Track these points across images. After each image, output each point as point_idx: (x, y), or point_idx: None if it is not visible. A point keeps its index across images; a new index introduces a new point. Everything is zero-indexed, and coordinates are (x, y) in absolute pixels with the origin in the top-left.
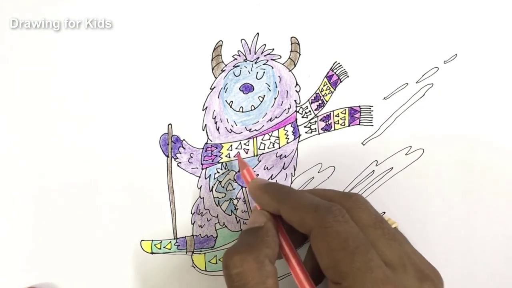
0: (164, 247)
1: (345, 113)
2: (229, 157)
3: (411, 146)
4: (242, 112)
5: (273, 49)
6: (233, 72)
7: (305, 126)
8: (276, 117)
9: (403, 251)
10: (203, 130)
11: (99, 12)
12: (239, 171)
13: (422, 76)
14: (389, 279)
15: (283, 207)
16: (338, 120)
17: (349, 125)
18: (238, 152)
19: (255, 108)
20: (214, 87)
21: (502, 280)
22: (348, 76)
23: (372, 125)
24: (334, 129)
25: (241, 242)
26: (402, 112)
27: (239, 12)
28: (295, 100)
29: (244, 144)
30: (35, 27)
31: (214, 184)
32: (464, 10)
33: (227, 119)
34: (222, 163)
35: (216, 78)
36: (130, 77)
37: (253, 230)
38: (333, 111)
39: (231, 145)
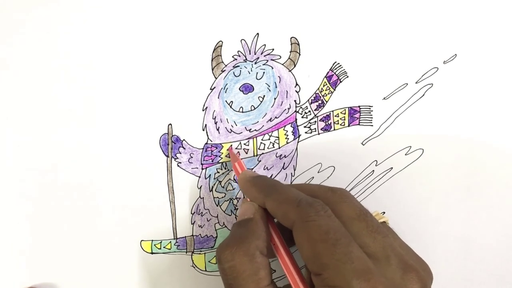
0: (164, 247)
1: (344, 113)
2: (229, 157)
3: (410, 146)
4: (242, 112)
5: (273, 49)
6: (233, 72)
7: (305, 126)
8: (276, 117)
9: (387, 243)
10: (203, 130)
11: (99, 12)
12: None
13: (422, 76)
14: (370, 270)
15: (268, 201)
16: (338, 120)
17: (348, 125)
18: (231, 145)
19: (255, 108)
20: (214, 87)
21: (501, 279)
22: (347, 76)
23: (372, 125)
24: (334, 129)
25: (232, 235)
26: (401, 112)
27: (239, 12)
28: (295, 100)
29: (244, 144)
30: (35, 27)
31: (214, 184)
32: (464, 10)
33: (227, 119)
34: (222, 163)
35: (216, 78)
36: (130, 77)
37: (243, 223)
38: (332, 111)
39: (231, 145)
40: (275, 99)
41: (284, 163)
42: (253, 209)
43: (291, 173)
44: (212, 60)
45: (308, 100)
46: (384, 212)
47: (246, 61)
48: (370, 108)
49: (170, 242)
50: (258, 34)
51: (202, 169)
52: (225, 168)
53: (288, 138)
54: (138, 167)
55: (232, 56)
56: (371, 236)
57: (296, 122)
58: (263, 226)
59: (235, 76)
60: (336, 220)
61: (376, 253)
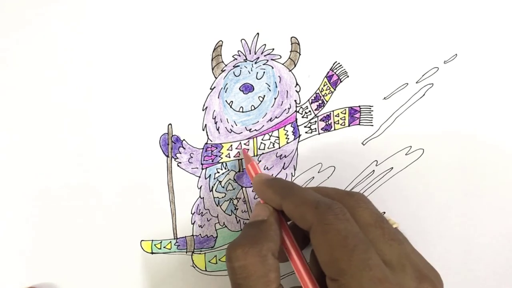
0: (164, 247)
1: (345, 113)
2: (229, 157)
3: (411, 146)
4: (242, 112)
5: (273, 49)
6: (233, 72)
7: (305, 126)
8: (276, 117)
9: (403, 251)
10: (203, 130)
11: (99, 12)
12: (239, 171)
13: (422, 76)
14: (387, 278)
15: (285, 202)
16: (338, 120)
17: (349, 125)
18: (242, 148)
19: (255, 108)
20: (214, 87)
21: (502, 279)
22: (348, 76)
23: (372, 125)
24: (334, 129)
25: (244, 235)
26: (402, 112)
27: (239, 12)
28: (295, 100)
29: (244, 144)
30: (35, 26)
31: (214, 184)
32: (464, 10)
33: (227, 119)
34: (222, 163)
35: (216, 78)
36: (130, 77)
37: (256, 224)
38: (333, 111)
39: (231, 145)
40: (275, 99)
41: (284, 163)
42: (267, 211)
43: (291, 173)
44: (212, 60)
45: (309, 100)
46: (384, 212)
47: (246, 61)
48: (370, 108)
49: (170, 242)
50: (258, 34)
51: (202, 169)
52: (225, 168)
53: (288, 138)
54: (138, 167)
55: (232, 56)
56: (388, 243)
57: (296, 122)
58: (276, 229)
59: (235, 76)
60: (355, 224)
61: (392, 260)
